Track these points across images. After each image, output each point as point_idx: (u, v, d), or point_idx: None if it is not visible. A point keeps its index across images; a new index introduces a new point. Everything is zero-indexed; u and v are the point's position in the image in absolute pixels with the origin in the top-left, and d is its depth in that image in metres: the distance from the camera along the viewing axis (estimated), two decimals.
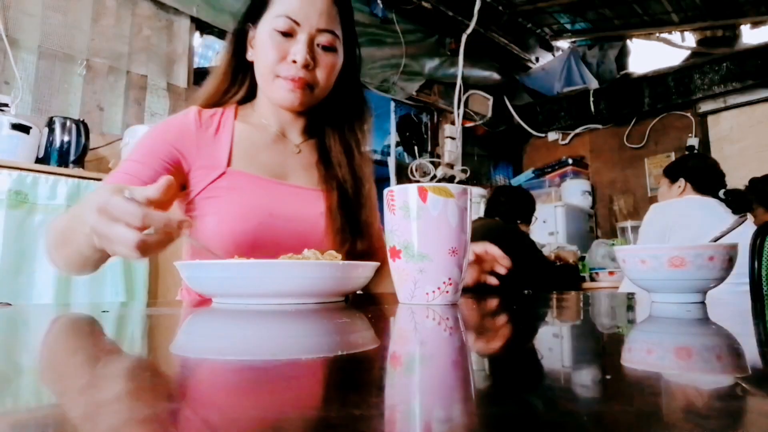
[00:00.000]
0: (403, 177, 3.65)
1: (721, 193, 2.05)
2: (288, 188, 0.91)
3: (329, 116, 0.98)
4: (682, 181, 2.13)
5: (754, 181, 2.37)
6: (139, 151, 0.86)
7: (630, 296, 0.83)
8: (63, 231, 0.73)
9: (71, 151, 1.98)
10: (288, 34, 0.86)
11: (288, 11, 0.85)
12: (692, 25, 3.89)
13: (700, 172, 2.11)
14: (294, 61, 0.85)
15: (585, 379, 0.24)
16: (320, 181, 0.94)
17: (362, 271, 0.60)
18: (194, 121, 0.89)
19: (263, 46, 0.87)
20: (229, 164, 0.88)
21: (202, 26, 2.79)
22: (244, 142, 0.91)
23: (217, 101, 0.95)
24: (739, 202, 2.00)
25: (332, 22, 0.88)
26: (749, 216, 2.10)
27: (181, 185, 0.87)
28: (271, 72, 0.87)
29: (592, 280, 3.19)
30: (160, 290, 1.96)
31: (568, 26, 4.28)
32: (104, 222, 0.54)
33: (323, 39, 0.87)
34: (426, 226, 0.57)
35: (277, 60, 0.86)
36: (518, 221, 2.44)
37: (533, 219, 2.53)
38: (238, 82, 0.96)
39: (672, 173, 2.18)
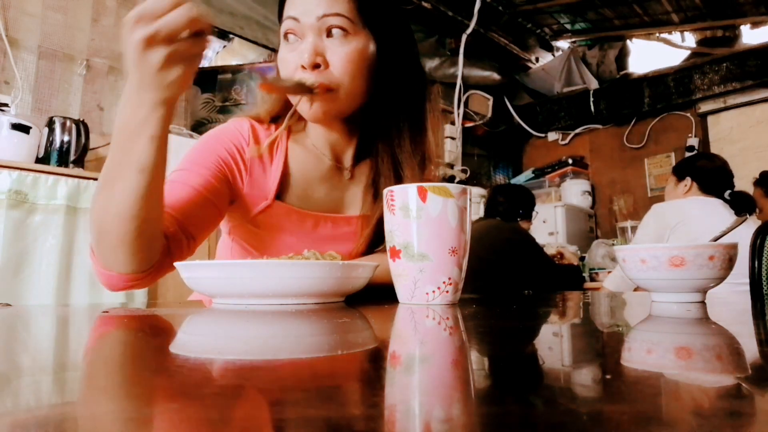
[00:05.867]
0: None
1: (726, 194, 2.04)
2: (337, 222, 0.85)
3: (382, 128, 0.85)
4: (688, 180, 2.11)
5: (765, 174, 2.37)
6: (187, 159, 0.77)
7: (630, 296, 0.83)
8: (102, 181, 0.62)
9: (71, 151, 1.98)
10: (295, 37, 0.75)
11: (288, 10, 0.75)
12: (692, 25, 3.88)
13: (707, 173, 2.10)
14: (303, 66, 0.73)
15: (585, 379, 0.24)
16: (363, 208, 0.87)
17: (362, 271, 0.60)
18: (249, 137, 0.81)
19: (279, 60, 0.78)
20: (277, 195, 0.81)
21: None
22: (297, 172, 0.84)
23: (271, 118, 0.87)
24: (742, 204, 1.99)
25: (339, 2, 0.73)
26: (750, 216, 2.10)
27: (228, 201, 0.81)
28: None
29: (592, 280, 3.19)
30: (159, 291, 1.96)
31: (568, 26, 4.28)
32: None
33: (330, 23, 0.73)
34: (426, 226, 0.57)
35: (292, 71, 0.75)
36: (519, 219, 2.43)
37: (534, 214, 2.53)
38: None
39: (679, 172, 2.16)
